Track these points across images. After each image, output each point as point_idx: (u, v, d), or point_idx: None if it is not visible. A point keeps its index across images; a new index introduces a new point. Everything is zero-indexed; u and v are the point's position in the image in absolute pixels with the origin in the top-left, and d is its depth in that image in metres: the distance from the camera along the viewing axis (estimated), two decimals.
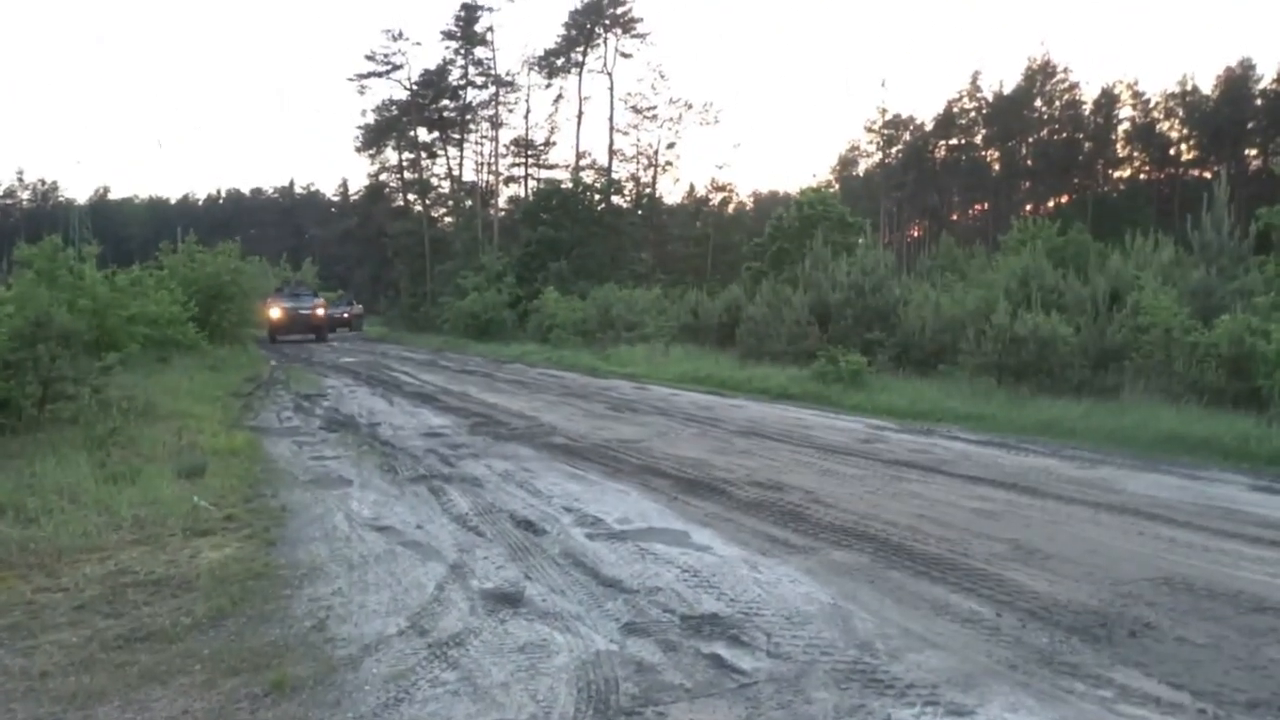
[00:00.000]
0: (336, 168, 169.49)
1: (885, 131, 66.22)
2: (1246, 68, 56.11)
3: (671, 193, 54.58)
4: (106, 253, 19.59)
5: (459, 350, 29.34)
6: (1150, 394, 10.92)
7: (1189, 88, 57.99)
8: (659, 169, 49.56)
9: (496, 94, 49.87)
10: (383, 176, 57.72)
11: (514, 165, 53.27)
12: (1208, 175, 50.73)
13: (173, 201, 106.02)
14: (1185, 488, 7.16)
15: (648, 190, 49.19)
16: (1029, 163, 62.63)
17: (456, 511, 6.38)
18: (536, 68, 49.27)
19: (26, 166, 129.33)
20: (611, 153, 48.38)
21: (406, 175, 55.06)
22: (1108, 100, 59.72)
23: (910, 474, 7.71)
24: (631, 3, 47.55)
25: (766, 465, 8.12)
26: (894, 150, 67.47)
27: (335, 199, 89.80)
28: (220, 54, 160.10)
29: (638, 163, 49.88)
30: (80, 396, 9.39)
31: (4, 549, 5.12)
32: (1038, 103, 62.33)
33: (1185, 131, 58.96)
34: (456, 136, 52.15)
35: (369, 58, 49.81)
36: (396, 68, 49.81)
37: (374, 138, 54.23)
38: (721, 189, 51.27)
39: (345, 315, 46.93)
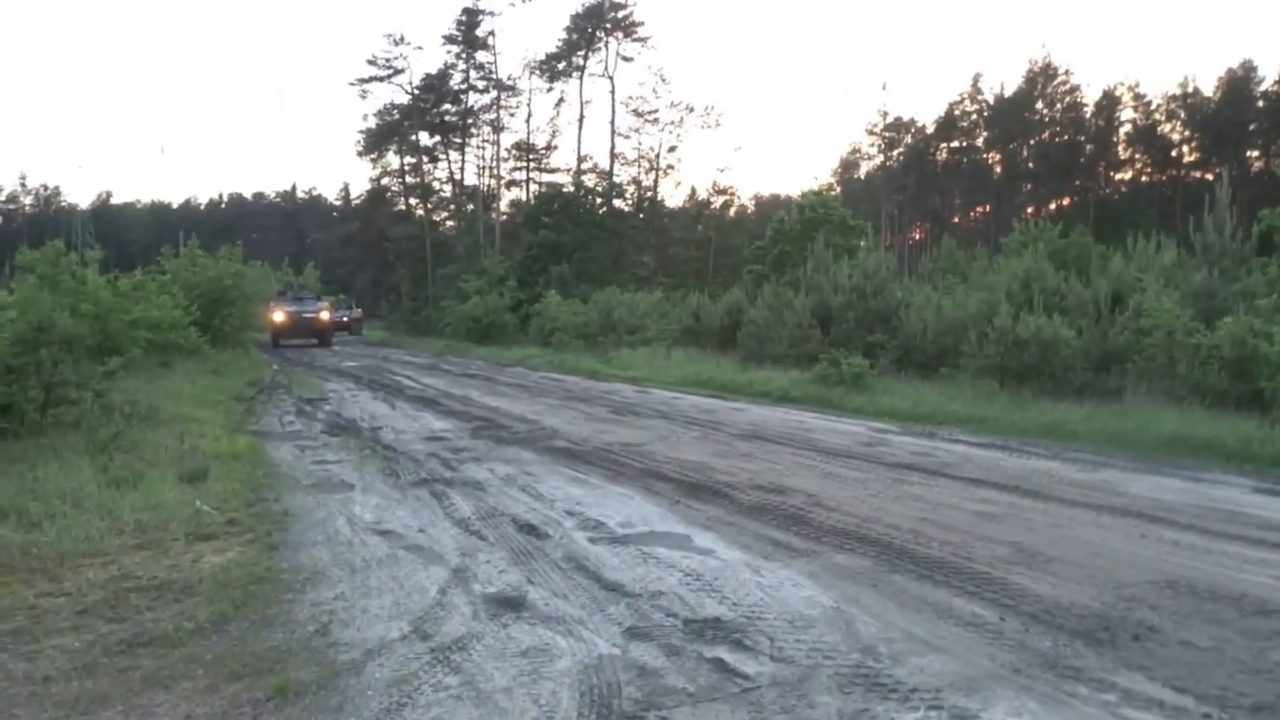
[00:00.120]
0: (338, 172, 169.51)
1: (886, 134, 66.35)
2: (1248, 69, 56.20)
3: (673, 196, 54.77)
4: (109, 257, 19.59)
5: (461, 354, 29.35)
6: (1153, 396, 10.91)
7: (1190, 89, 58.07)
8: (660, 172, 49.73)
9: (498, 98, 50.03)
10: (384, 181, 57.90)
11: (515, 169, 53.46)
12: (1209, 177, 50.68)
13: (175, 206, 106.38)
14: (1188, 490, 7.15)
15: (649, 194, 49.31)
16: (1030, 165, 62.65)
17: (459, 515, 6.38)
18: (538, 72, 49.47)
19: (29, 171, 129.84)
20: (613, 156, 48.56)
21: (408, 179, 55.21)
22: (1109, 102, 59.76)
23: (912, 477, 7.70)
24: (632, 6, 47.83)
25: (768, 468, 8.12)
26: (895, 153, 67.54)
27: (337, 203, 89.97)
28: (222, 59, 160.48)
29: (639, 166, 50.07)
30: (83, 401, 9.39)
31: (7, 553, 5.12)
32: (1039, 105, 62.38)
33: (1187, 133, 58.97)
34: (458, 140, 52.31)
35: (371, 62, 50.09)
36: (398, 72, 50.02)
37: (376, 142, 54.38)
38: (723, 192, 51.42)
39: (345, 319, 46.92)
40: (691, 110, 48.66)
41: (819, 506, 6.52)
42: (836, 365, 14.54)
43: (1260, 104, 55.23)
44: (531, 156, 52.38)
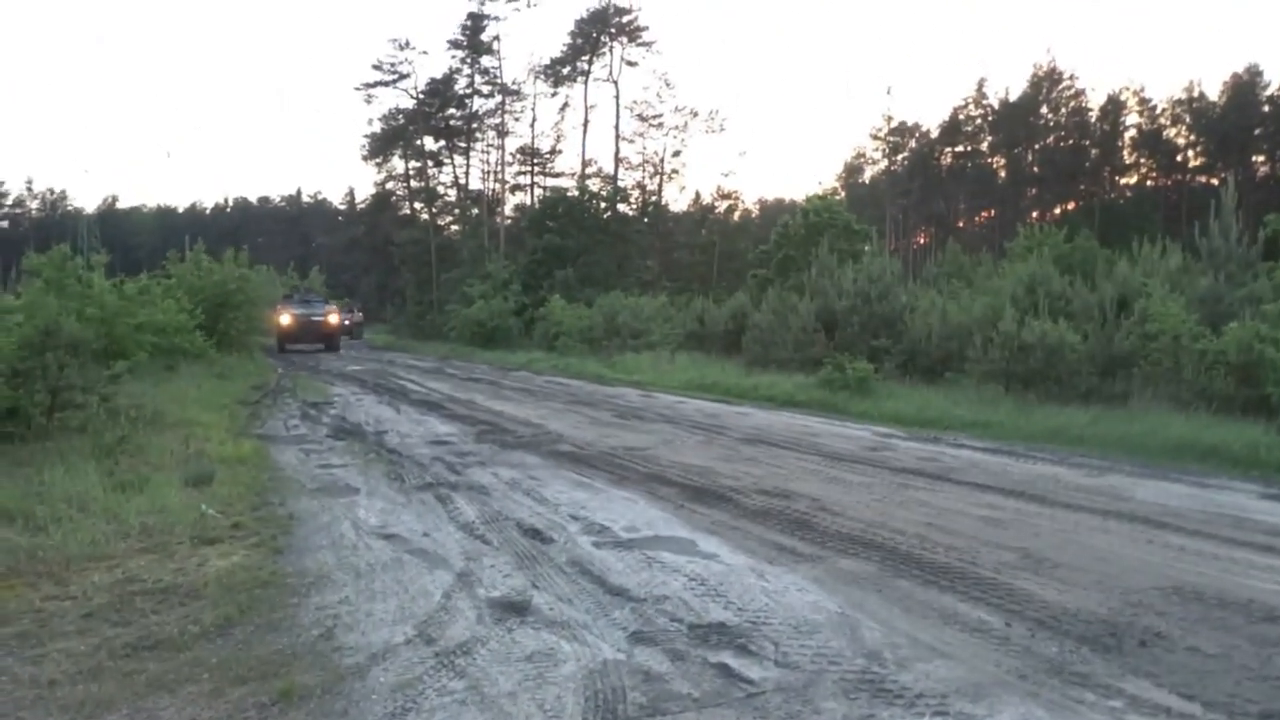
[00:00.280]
0: (343, 176, 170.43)
1: (891, 139, 66.30)
2: (1254, 74, 56.11)
3: (677, 200, 54.64)
4: (115, 261, 19.63)
5: (465, 358, 29.38)
6: (1159, 401, 10.89)
7: (1196, 94, 57.98)
8: (665, 177, 49.80)
9: (503, 103, 50.13)
10: (389, 185, 58.06)
11: (520, 173, 53.57)
12: (1215, 182, 50.59)
13: (180, 210, 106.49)
14: (1194, 496, 7.13)
15: (653, 198, 49.33)
16: (1035, 170, 62.63)
17: (463, 519, 6.38)
18: (542, 76, 49.55)
19: (35, 176, 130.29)
20: (617, 161, 48.60)
21: (413, 184, 55.39)
22: (1114, 107, 59.70)
23: (918, 482, 7.69)
24: (637, 11, 47.90)
25: (773, 473, 8.11)
26: (900, 157, 67.56)
27: (342, 207, 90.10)
28: (227, 64, 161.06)
29: (643, 170, 50.12)
30: (88, 405, 9.41)
31: (13, 557, 5.14)
32: (1044, 110, 62.36)
33: (1192, 138, 58.92)
34: (463, 145, 52.43)
35: (376, 67, 50.18)
36: (403, 77, 50.14)
37: (381, 146, 54.52)
38: (727, 196, 51.53)
39: (346, 322, 46.92)
40: (696, 114, 48.76)
41: (824, 511, 6.51)
42: (841, 370, 14.52)
43: (1266, 108, 55.16)
44: (536, 161, 52.52)
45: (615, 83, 47.74)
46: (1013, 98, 62.81)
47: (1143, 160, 61.05)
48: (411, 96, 50.83)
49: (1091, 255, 20.64)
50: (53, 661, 3.76)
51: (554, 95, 51.08)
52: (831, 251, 21.30)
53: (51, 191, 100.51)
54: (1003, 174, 64.27)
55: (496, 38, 48.48)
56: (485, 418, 12.57)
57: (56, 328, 9.38)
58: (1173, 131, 59.61)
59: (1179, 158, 59.55)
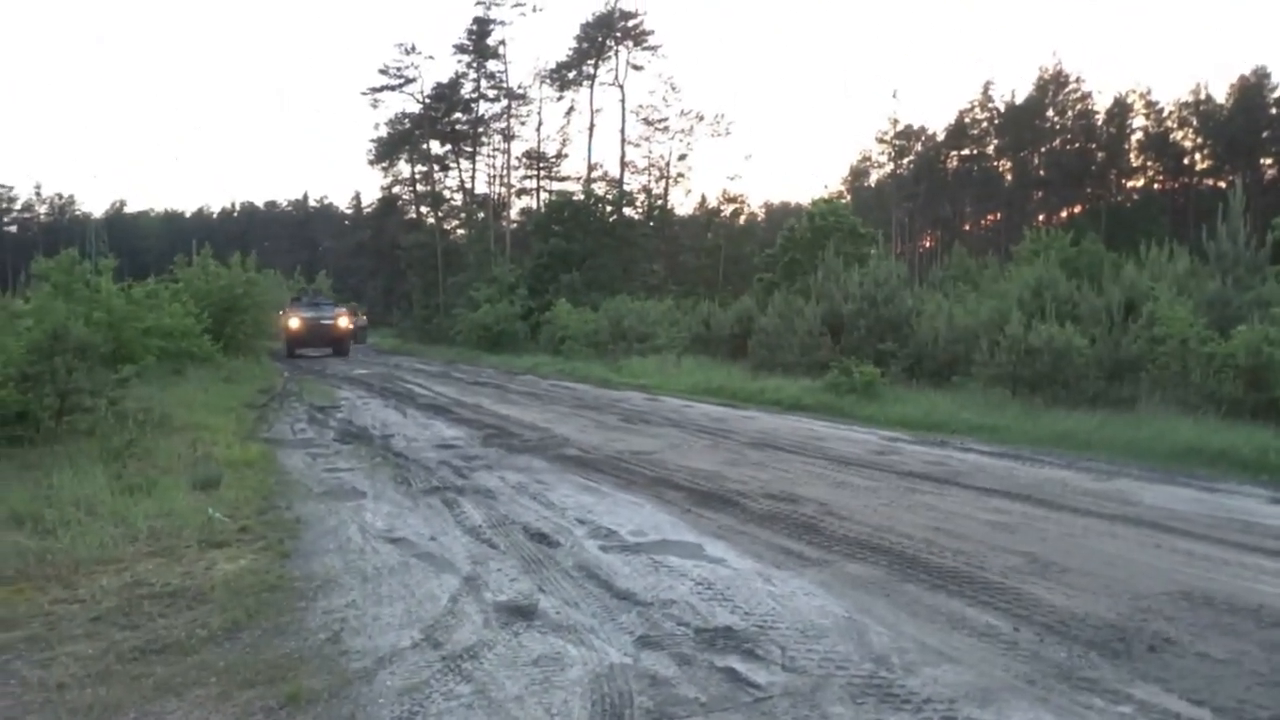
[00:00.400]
0: (350, 180, 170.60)
1: (897, 142, 66.33)
2: (1261, 76, 55.86)
3: (683, 204, 54.89)
4: (122, 266, 19.75)
5: (471, 362, 29.40)
6: (1167, 405, 10.85)
7: (1203, 97, 57.79)
8: (670, 180, 49.84)
9: (508, 107, 50.24)
10: (396, 189, 58.29)
11: (526, 177, 53.73)
12: (1222, 185, 50.50)
13: (188, 215, 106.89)
14: (1203, 500, 7.10)
15: (659, 202, 49.38)
16: (1041, 173, 62.52)
17: (470, 523, 6.38)
18: (548, 80, 49.66)
19: (44, 181, 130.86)
20: (623, 164, 48.66)
21: (419, 188, 55.54)
22: (1120, 110, 59.58)
23: (925, 486, 7.67)
24: (642, 16, 48.06)
25: (780, 477, 8.10)
26: (905, 161, 67.53)
27: (348, 212, 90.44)
28: (234, 69, 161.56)
29: (649, 174, 50.19)
30: (97, 408, 9.46)
31: (22, 560, 5.15)
32: (1050, 113, 62.23)
33: (1199, 141, 58.74)
34: (469, 149, 52.55)
35: (382, 71, 50.35)
36: (409, 81, 50.30)
37: (387, 150, 54.69)
38: (733, 200, 51.43)
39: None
40: (701, 118, 48.81)
41: (831, 515, 6.50)
42: (848, 373, 14.50)
43: (1273, 111, 54.97)
44: (542, 165, 52.67)
45: (621, 87, 47.87)
46: (1019, 101, 62.78)
47: (1149, 163, 60.88)
48: (418, 101, 51.06)
49: (1098, 259, 20.63)
50: (61, 665, 3.77)
51: (560, 99, 51.22)
52: (837, 255, 21.28)
53: (60, 196, 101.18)
54: (1009, 177, 64.15)
55: (502, 42, 48.66)
56: (492, 421, 12.58)
57: (65, 332, 9.42)
58: (1179, 134, 59.45)
59: (1186, 160, 59.39)
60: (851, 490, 7.50)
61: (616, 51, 47.99)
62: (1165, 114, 59.51)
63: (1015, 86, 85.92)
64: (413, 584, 4.96)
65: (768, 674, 3.64)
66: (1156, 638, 4.02)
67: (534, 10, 62.63)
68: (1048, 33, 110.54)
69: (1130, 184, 61.90)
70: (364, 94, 52.70)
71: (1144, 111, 59.89)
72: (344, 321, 32.68)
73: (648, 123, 48.91)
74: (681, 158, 49.41)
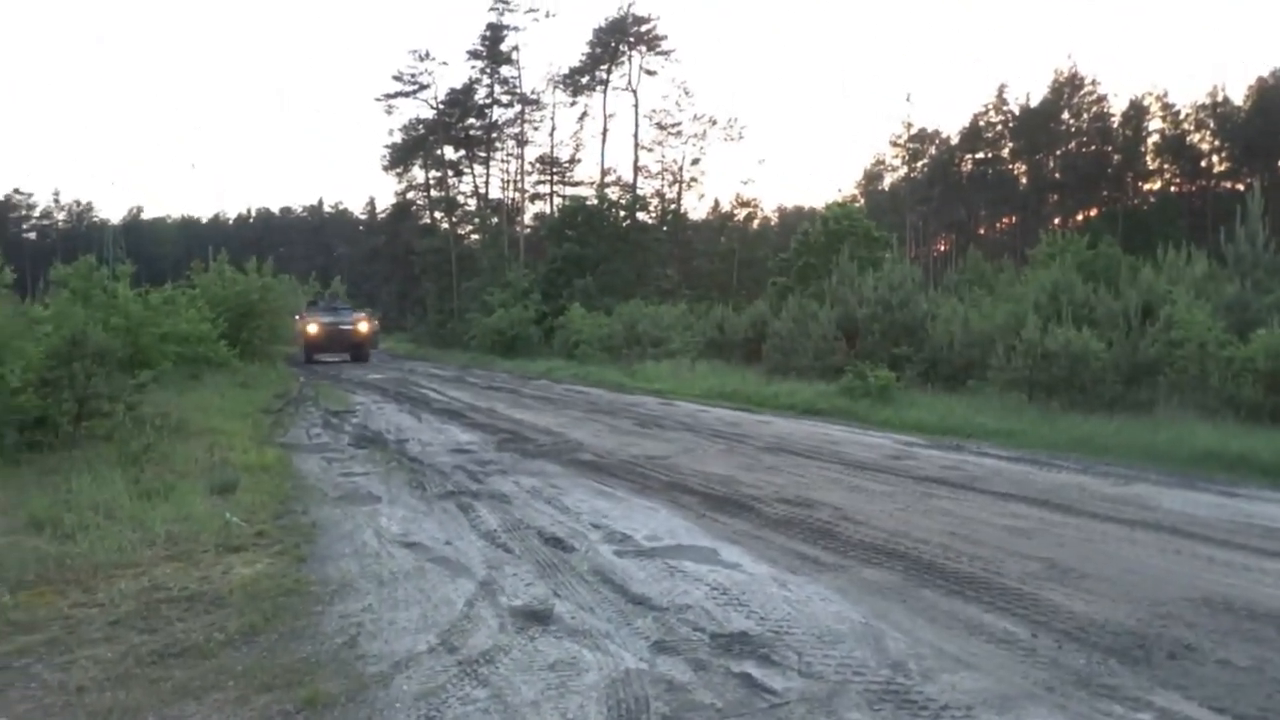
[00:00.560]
0: (364, 186, 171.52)
1: (910, 145, 66.06)
2: (1279, 78, 55.38)
3: (696, 208, 54.63)
4: (140, 272, 19.86)
5: (485, 366, 29.47)
6: (1185, 410, 10.77)
7: (1220, 99, 57.30)
8: (684, 185, 49.79)
9: (522, 112, 50.37)
10: (410, 195, 58.47)
11: (539, 182, 53.79)
12: (1241, 187, 50.03)
13: (204, 221, 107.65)
14: (1223, 505, 7.03)
15: (673, 206, 49.38)
16: (1057, 176, 62.12)
17: (485, 528, 6.39)
18: (561, 86, 49.76)
19: (62, 188, 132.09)
20: (636, 169, 48.68)
21: (433, 193, 55.67)
22: (1137, 112, 59.13)
23: (941, 491, 7.63)
24: (655, 20, 47.92)
25: (795, 482, 8.08)
26: (920, 164, 67.25)
27: (363, 217, 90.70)
28: (250, 76, 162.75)
29: (663, 179, 50.15)
30: (115, 413, 9.52)
31: (42, 564, 5.20)
32: (1065, 115, 61.83)
33: (1217, 143, 58.22)
34: (483, 154, 52.70)
35: (396, 78, 50.55)
36: (423, 87, 50.47)
37: (401, 156, 54.92)
38: (746, 204, 51.46)
39: None
40: (715, 123, 48.74)
41: (846, 520, 6.47)
42: (862, 378, 14.46)
43: None
44: (555, 170, 52.72)
45: (634, 91, 47.92)
46: (1034, 103, 62.41)
47: (1166, 166, 60.39)
48: (432, 107, 51.23)
49: (1115, 262, 20.47)
50: (81, 668, 3.80)
51: (573, 104, 51.28)
52: (852, 259, 21.22)
53: (78, 203, 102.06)
54: (1024, 180, 63.77)
55: (515, 48, 48.79)
56: (506, 426, 12.60)
57: (83, 337, 9.49)
58: (1197, 137, 58.94)
59: (1203, 163, 58.88)
60: (867, 495, 7.47)
61: (629, 56, 48.09)
62: (1182, 116, 59.03)
63: (1030, 89, 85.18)
64: (428, 588, 4.97)
65: (784, 680, 3.63)
66: (1177, 644, 3.98)
67: (547, 16, 62.89)
68: (1062, 35, 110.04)
69: (1147, 187, 61.45)
70: (378, 100, 52.98)
71: (1160, 114, 59.42)
72: (364, 326, 31.84)
73: (661, 127, 48.97)
74: (695, 162, 49.42)
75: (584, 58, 48.97)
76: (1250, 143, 54.28)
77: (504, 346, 33.16)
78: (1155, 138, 59.90)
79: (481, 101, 50.81)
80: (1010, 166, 64.99)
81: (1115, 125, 60.43)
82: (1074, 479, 8.23)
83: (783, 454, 9.84)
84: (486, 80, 50.14)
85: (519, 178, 52.35)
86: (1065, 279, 15.08)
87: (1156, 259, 15.54)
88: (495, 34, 48.43)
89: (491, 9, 47.59)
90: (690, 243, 50.12)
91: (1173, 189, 60.66)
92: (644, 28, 47.58)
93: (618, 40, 47.81)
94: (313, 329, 30.18)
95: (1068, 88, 61.60)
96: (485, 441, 11.04)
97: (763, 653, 3.92)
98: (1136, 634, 4.11)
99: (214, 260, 24.55)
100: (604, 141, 49.28)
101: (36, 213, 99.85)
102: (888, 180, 72.11)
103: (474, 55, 49.43)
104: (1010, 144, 64.49)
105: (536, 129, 52.23)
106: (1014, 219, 64.87)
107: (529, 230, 52.45)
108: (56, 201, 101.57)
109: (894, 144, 67.21)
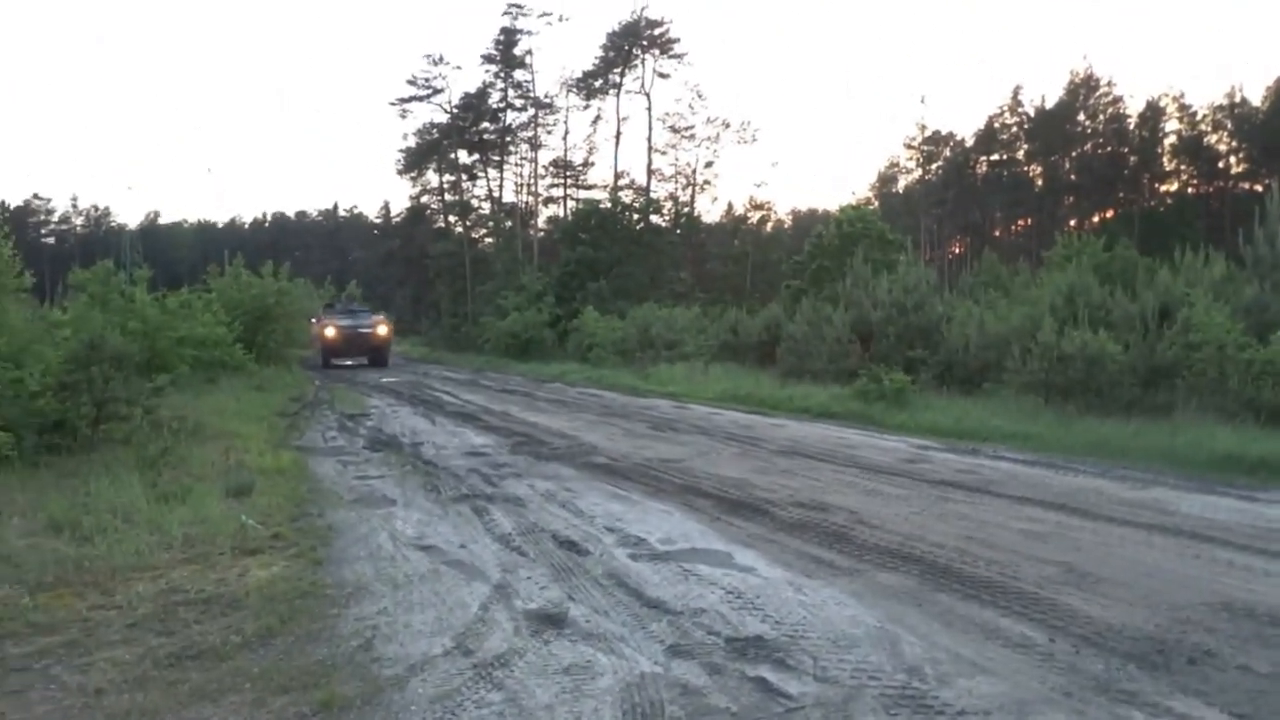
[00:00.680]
0: (379, 190, 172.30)
1: (925, 148, 65.87)
2: None
3: (710, 211, 54.60)
4: (156, 276, 20.04)
5: (499, 370, 29.53)
6: (1203, 413, 10.67)
7: (1238, 99, 56.83)
8: (697, 188, 49.86)
9: (535, 116, 50.53)
10: (424, 199, 58.69)
11: (553, 186, 53.96)
12: (1259, 188, 49.58)
13: (220, 225, 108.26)
14: (1243, 510, 6.97)
15: (686, 209, 49.34)
16: (1073, 177, 61.73)
17: (499, 531, 6.41)
18: (575, 89, 49.88)
19: (80, 193, 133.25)
20: (650, 172, 48.79)
21: (447, 197, 55.90)
22: (1153, 113, 58.71)
23: (956, 494, 7.60)
24: (668, 24, 48.05)
25: (809, 485, 8.06)
26: (934, 167, 67.03)
27: (377, 221, 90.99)
28: (266, 82, 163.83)
29: (676, 182, 50.22)
30: (132, 417, 9.59)
31: (61, 567, 5.24)
32: (1081, 117, 61.49)
33: (1234, 144, 57.72)
34: (496, 158, 52.91)
35: (410, 82, 50.78)
36: (437, 91, 50.70)
37: (415, 160, 55.16)
38: (760, 207, 51.47)
39: None
40: (728, 126, 48.80)
41: (861, 524, 6.45)
42: (877, 381, 14.41)
43: None
44: (569, 173, 52.87)
45: (647, 95, 48.00)
46: (1049, 105, 62.10)
47: (1183, 167, 59.91)
48: (446, 111, 51.44)
49: (1132, 264, 20.32)
50: (99, 670, 3.82)
51: (586, 108, 51.44)
52: (866, 262, 21.16)
53: (96, 208, 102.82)
54: (1039, 182, 63.43)
55: (529, 52, 49.02)
56: (520, 429, 12.62)
57: (101, 341, 9.57)
58: (1214, 138, 58.43)
59: (1221, 164, 58.37)
60: (882, 498, 7.44)
61: (643, 60, 48.19)
62: (1199, 117, 58.53)
63: (1045, 91, 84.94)
64: (443, 591, 4.98)
65: (799, 684, 3.61)
66: (1196, 650, 3.94)
67: (560, 20, 63.20)
68: (1078, 36, 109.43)
69: (1164, 188, 60.98)
70: (393, 104, 53.25)
71: (1177, 115, 58.98)
72: (383, 329, 30.97)
73: (674, 130, 49.05)
74: (708, 165, 49.50)
75: (597, 61, 49.15)
76: (1268, 143, 53.71)
77: (518, 350, 33.22)
78: (1172, 139, 59.45)
79: (495, 105, 51.06)
80: (1025, 168, 64.67)
81: (1131, 126, 60.01)
82: (1091, 483, 8.18)
83: (797, 457, 9.81)
84: (500, 84, 50.40)
85: (532, 181, 52.61)
86: (1081, 281, 14.98)
87: (1174, 261, 15.41)
88: (509, 38, 48.66)
89: (505, 13, 47.89)
90: (704, 246, 50.13)
91: (1190, 190, 60.17)
92: (657, 31, 47.74)
93: (631, 44, 47.90)
94: (331, 332, 29.48)
95: (1083, 89, 61.25)
96: (499, 445, 11.07)
97: (778, 657, 3.90)
98: (1155, 639, 4.08)
99: (230, 264, 24.72)
100: (617, 145, 49.48)
101: (55, 218, 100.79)
102: (902, 182, 71.99)
103: (488, 59, 49.72)
104: (1025, 146, 64.18)
105: (550, 133, 52.46)
106: (1029, 221, 64.52)
107: (543, 234, 52.56)
108: (74, 207, 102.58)
109: (908, 146, 67.12)
